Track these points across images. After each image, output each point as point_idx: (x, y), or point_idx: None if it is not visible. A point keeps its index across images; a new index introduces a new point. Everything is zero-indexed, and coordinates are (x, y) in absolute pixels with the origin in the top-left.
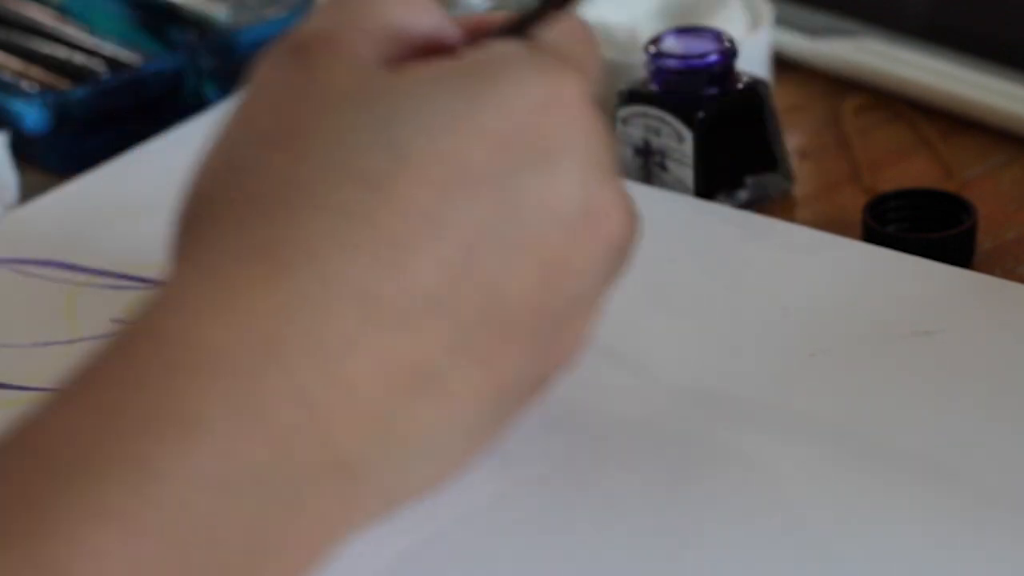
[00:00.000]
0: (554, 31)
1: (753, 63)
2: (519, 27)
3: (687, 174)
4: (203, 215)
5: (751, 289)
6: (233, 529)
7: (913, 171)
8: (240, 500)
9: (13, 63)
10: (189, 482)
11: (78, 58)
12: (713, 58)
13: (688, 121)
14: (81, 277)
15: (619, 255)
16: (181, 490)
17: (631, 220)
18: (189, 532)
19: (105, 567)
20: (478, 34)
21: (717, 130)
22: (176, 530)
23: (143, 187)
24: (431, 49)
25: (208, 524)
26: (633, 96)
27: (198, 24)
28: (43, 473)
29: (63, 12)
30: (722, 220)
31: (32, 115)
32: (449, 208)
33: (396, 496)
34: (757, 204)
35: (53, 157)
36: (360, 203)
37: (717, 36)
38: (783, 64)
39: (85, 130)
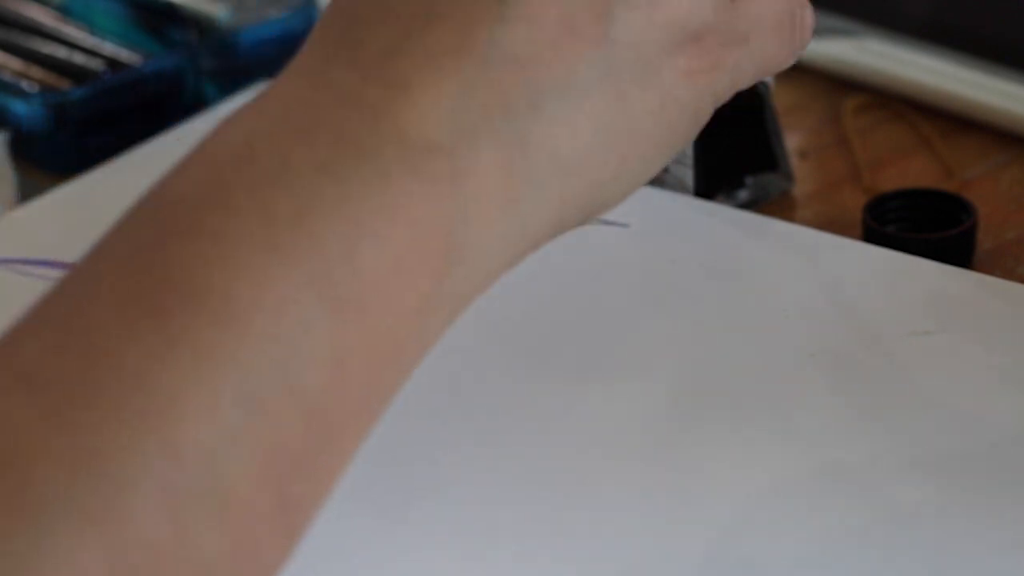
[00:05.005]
0: None
1: None
2: None
3: (687, 174)
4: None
5: (751, 289)
6: None
7: (913, 171)
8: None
9: (13, 63)
10: None
11: (78, 58)
12: None
13: None
14: None
15: None
16: None
17: None
18: None
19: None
20: None
21: (717, 130)
22: None
23: (143, 187)
24: None
25: None
26: None
27: (198, 24)
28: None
29: (63, 12)
30: (722, 220)
31: (32, 115)
32: None
33: (566, 163)
34: (757, 204)
35: (53, 157)
36: None
37: None
38: None
39: (85, 130)
